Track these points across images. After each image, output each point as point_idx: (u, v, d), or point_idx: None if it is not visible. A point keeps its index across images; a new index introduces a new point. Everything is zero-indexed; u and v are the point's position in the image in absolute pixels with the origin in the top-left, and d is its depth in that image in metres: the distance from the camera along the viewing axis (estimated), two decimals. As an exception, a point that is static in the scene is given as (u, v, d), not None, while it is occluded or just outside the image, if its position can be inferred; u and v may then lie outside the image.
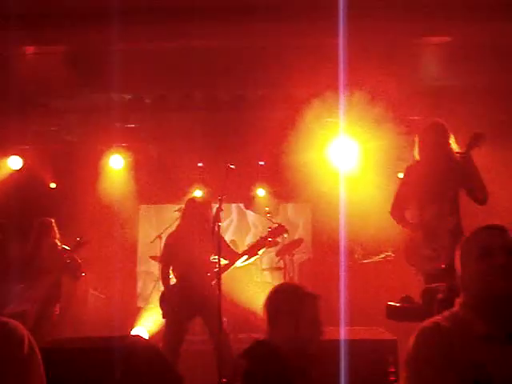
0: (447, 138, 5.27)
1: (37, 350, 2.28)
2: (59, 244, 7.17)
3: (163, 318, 6.25)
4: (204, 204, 6.54)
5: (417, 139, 5.39)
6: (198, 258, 6.16)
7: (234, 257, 6.19)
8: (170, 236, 6.63)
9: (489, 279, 2.31)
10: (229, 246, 6.39)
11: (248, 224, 11.20)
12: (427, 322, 2.39)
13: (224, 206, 5.65)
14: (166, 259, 6.44)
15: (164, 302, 6.27)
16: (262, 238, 6.20)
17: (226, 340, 6.06)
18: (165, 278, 6.36)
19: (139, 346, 4.64)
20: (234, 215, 11.26)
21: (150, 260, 9.61)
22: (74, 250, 7.08)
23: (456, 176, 5.14)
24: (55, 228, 7.21)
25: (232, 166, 5.53)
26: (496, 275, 2.30)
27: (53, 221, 7.24)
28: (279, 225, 6.36)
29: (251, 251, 6.26)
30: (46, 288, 6.88)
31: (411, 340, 2.37)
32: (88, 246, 7.20)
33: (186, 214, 6.52)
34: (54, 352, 3.77)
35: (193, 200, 6.71)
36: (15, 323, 2.29)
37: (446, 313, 2.41)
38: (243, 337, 7.53)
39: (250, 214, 11.11)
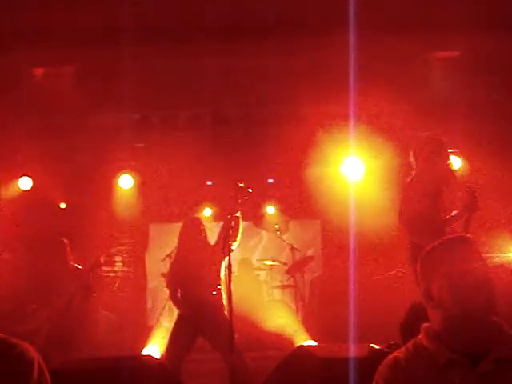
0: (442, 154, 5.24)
1: (46, 373, 2.27)
2: (72, 263, 7.17)
3: None
4: (195, 223, 6.51)
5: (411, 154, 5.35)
6: (198, 276, 6.15)
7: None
8: (173, 261, 6.69)
9: (464, 295, 2.20)
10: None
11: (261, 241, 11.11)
12: (387, 359, 2.31)
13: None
14: (172, 283, 6.44)
15: None
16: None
17: (240, 358, 6.01)
18: (176, 301, 6.36)
19: (151, 365, 4.63)
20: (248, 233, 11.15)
21: (161, 278, 9.58)
22: (91, 271, 7.08)
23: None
24: (68, 248, 7.21)
25: (241, 184, 5.53)
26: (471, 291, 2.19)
27: (65, 240, 7.25)
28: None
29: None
30: (59, 307, 6.89)
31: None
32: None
33: (180, 235, 6.53)
34: (64, 374, 3.76)
35: (187, 221, 6.69)
36: (25, 345, 2.27)
37: (411, 343, 2.32)
38: (255, 355, 7.46)
39: (262, 231, 11.04)
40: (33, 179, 9.14)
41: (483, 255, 2.29)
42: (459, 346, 2.17)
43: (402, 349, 2.32)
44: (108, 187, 9.36)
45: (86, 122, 8.36)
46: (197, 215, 8.72)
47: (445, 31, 6.06)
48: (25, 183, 9.12)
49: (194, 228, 6.39)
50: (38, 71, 7.29)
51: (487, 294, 2.21)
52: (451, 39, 6.39)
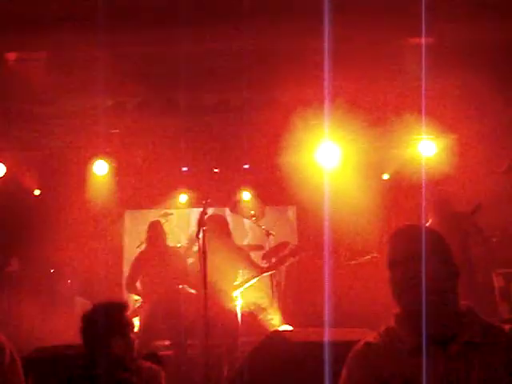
0: None
1: (18, 360, 2.26)
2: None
3: None
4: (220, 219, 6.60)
5: None
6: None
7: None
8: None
9: (401, 290, 2.26)
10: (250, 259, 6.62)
11: (244, 228, 11.05)
12: (359, 344, 2.34)
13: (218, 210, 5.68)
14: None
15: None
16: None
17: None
18: None
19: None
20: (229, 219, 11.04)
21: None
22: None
23: None
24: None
25: (216, 170, 5.53)
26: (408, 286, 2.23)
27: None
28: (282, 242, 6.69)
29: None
30: None
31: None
32: (72, 252, 7.21)
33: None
34: (37, 361, 3.73)
35: (211, 217, 6.75)
36: (-5, 334, 2.27)
37: (383, 327, 2.35)
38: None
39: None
40: (6, 165, 9.03)
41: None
42: (426, 331, 2.18)
43: (374, 334, 2.33)
44: (83, 173, 9.28)
45: (61, 108, 8.28)
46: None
47: (421, 16, 6.07)
48: (-2, 169, 9.00)
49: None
50: (11, 56, 7.19)
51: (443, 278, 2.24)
52: (428, 25, 6.39)
